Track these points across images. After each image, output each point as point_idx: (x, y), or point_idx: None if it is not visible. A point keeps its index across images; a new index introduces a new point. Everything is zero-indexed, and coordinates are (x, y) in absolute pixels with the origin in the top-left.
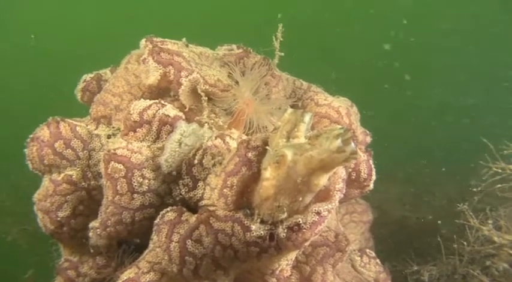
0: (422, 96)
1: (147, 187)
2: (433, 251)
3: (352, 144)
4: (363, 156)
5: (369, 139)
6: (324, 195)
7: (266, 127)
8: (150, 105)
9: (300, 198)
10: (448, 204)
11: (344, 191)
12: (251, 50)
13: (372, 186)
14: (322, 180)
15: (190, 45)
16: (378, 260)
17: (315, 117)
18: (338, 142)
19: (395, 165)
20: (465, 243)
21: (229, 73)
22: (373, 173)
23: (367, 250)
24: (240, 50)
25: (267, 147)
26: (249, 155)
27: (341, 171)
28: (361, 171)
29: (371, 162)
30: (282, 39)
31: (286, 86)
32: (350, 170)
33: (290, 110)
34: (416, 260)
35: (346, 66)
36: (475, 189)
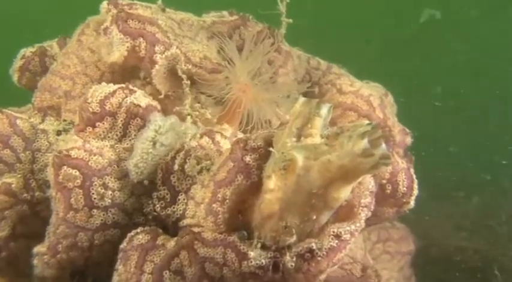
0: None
1: (110, 201)
2: None
3: (383, 145)
4: (401, 162)
5: (409, 140)
6: (345, 213)
7: (270, 122)
8: (114, 91)
9: (314, 217)
10: None
11: (372, 207)
12: (249, 17)
13: (412, 203)
14: (343, 193)
15: (167, 10)
16: None
17: (338, 109)
18: (364, 143)
19: (448, 176)
20: None
21: (220, 48)
22: (415, 185)
23: None
24: (235, 17)
25: (271, 149)
26: (247, 158)
27: (368, 182)
28: (398, 183)
29: (412, 171)
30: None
31: (297, 65)
32: (384, 181)
33: (302, 99)
34: None
35: None
36: None
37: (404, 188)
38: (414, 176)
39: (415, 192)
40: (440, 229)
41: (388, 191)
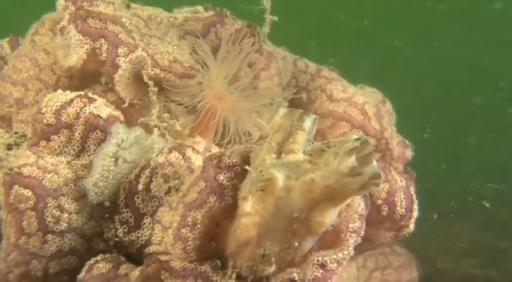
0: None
1: (66, 225)
2: None
3: (374, 163)
4: (399, 180)
5: (409, 153)
6: (331, 240)
7: (249, 134)
8: (71, 100)
9: (296, 244)
10: None
11: (362, 232)
12: (227, 13)
13: (412, 227)
14: (329, 217)
15: (133, 6)
16: None
17: (329, 118)
18: (351, 160)
19: (457, 194)
20: None
21: (193, 49)
22: (415, 207)
23: None
24: (211, 13)
25: (248, 167)
26: (221, 178)
27: (357, 204)
28: (396, 203)
29: (412, 190)
30: None
31: (282, 68)
32: (380, 201)
33: (283, 110)
34: None
35: None
36: None
37: (403, 210)
38: (414, 196)
39: (415, 214)
40: (447, 254)
41: (385, 213)
